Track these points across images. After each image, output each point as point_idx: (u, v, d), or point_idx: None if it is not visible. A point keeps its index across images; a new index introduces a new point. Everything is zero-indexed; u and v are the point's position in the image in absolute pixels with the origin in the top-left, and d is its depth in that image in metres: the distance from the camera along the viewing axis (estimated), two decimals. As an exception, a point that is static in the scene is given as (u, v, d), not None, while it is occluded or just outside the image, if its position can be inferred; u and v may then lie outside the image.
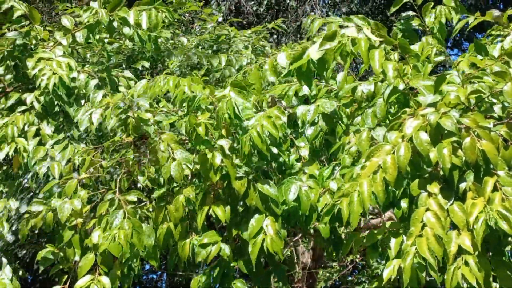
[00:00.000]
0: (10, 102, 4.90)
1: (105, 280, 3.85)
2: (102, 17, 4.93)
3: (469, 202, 3.08)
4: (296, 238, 5.86)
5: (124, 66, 5.93)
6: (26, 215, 4.07)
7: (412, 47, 3.99)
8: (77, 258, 3.99)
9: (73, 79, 4.79)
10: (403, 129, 3.29)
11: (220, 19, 7.99)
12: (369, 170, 3.26)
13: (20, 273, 5.56)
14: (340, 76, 4.17)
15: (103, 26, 4.99)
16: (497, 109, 3.44)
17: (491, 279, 3.04)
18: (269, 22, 8.39)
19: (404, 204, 3.38)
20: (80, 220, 3.99)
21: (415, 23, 4.40)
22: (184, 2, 6.50)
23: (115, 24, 4.99)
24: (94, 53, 5.81)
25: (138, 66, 5.86)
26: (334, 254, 4.07)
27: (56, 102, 4.79)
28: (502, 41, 4.18)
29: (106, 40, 5.63)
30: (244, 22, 12.18)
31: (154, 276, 12.32)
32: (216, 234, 3.76)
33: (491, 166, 3.16)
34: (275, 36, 12.02)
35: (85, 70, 4.92)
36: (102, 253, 3.81)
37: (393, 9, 4.42)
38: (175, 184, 3.91)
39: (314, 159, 3.89)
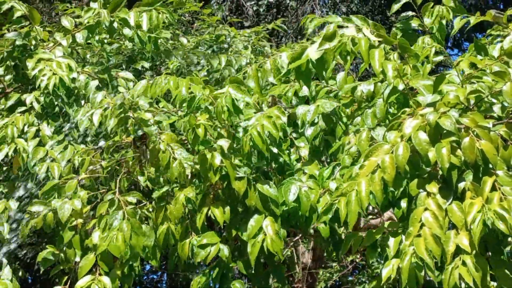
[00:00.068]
0: (10, 102, 4.90)
1: (106, 280, 3.85)
2: (104, 18, 4.93)
3: (467, 201, 3.09)
4: (296, 238, 5.86)
5: (124, 66, 5.93)
6: (27, 215, 4.07)
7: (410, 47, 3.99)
8: (77, 258, 3.99)
9: (73, 80, 4.79)
10: (402, 128, 3.30)
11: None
12: (367, 169, 3.26)
13: (20, 273, 5.56)
14: (340, 76, 4.17)
15: (103, 27, 4.99)
16: (496, 109, 3.45)
17: (488, 278, 3.04)
18: (269, 23, 8.39)
19: (404, 204, 3.38)
20: (80, 220, 3.99)
21: (414, 23, 4.40)
22: (184, 2, 6.50)
23: (115, 25, 5.00)
24: (94, 53, 5.81)
25: (138, 66, 5.86)
26: (334, 254, 4.08)
27: (56, 103, 4.79)
28: (501, 41, 4.18)
29: (106, 41, 5.63)
30: (244, 23, 12.19)
31: (155, 277, 12.33)
32: (215, 235, 3.76)
33: (490, 166, 3.16)
34: (276, 37, 12.03)
35: (85, 71, 4.92)
36: (102, 253, 3.81)
37: (393, 10, 4.43)
38: (175, 185, 3.92)
39: (313, 159, 3.89)
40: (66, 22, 5.04)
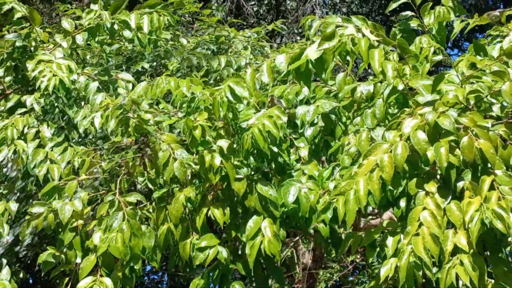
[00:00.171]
0: (10, 104, 4.90)
1: (107, 281, 3.85)
2: (106, 19, 4.93)
3: (465, 200, 3.10)
4: (296, 238, 5.86)
5: (124, 67, 5.93)
6: (27, 217, 4.07)
7: (409, 47, 3.99)
8: (78, 260, 3.99)
9: (73, 81, 4.79)
10: (401, 128, 3.31)
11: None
12: (366, 168, 3.27)
13: (21, 275, 5.56)
14: (339, 77, 4.17)
15: (104, 29, 4.99)
16: (495, 109, 3.45)
17: (485, 277, 3.05)
18: (269, 23, 8.39)
19: (403, 203, 3.38)
20: (80, 221, 3.99)
21: (414, 23, 4.40)
22: (183, 3, 6.50)
23: (116, 27, 5.00)
24: (94, 54, 5.81)
25: (138, 67, 5.86)
26: (334, 254, 4.08)
27: (56, 104, 4.79)
28: (501, 41, 4.18)
29: (106, 42, 5.63)
30: (244, 23, 12.19)
31: (155, 277, 12.33)
32: (214, 237, 3.76)
33: (489, 165, 3.17)
34: (276, 37, 12.02)
35: (85, 72, 4.92)
36: (103, 255, 3.81)
37: (390, 8, 4.42)
38: (174, 185, 3.92)
39: (313, 160, 3.89)
40: (66, 24, 5.05)
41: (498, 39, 4.24)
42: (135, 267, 3.91)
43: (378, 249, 3.51)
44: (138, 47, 5.22)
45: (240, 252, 3.91)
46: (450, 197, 3.19)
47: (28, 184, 4.84)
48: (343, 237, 4.02)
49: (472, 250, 3.03)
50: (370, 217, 4.46)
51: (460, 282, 3.02)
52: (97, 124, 4.35)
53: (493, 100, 3.46)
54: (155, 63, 6.06)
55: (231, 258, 3.83)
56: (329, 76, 4.16)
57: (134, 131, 3.93)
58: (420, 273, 3.09)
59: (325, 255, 6.16)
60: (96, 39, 5.14)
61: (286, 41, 11.82)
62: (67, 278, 4.06)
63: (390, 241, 3.32)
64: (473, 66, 3.71)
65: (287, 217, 3.74)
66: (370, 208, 3.97)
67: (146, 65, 5.85)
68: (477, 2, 12.80)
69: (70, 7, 6.50)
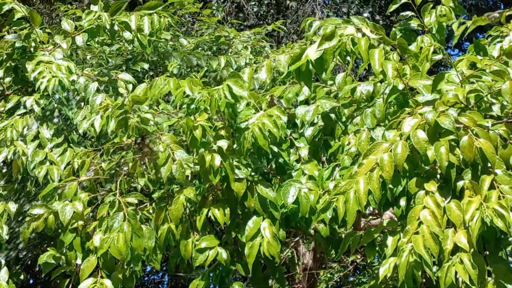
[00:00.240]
0: (10, 105, 4.89)
1: (108, 283, 3.84)
2: (106, 21, 4.93)
3: (465, 199, 3.10)
4: (297, 239, 5.86)
5: (124, 68, 5.93)
6: (28, 218, 4.07)
7: (410, 47, 3.99)
8: (78, 261, 3.98)
9: (73, 82, 4.78)
10: (401, 127, 3.31)
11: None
12: (366, 168, 3.27)
13: (22, 277, 5.56)
14: (339, 77, 4.17)
15: (104, 30, 4.99)
16: (496, 109, 3.45)
17: (486, 276, 3.05)
18: (269, 23, 8.39)
19: (403, 203, 3.39)
20: (81, 222, 3.99)
21: (414, 23, 4.40)
22: (183, 3, 6.50)
23: (116, 28, 5.00)
24: (94, 54, 5.81)
25: (138, 68, 5.86)
26: (334, 254, 4.07)
27: (55, 105, 4.79)
28: (501, 41, 4.18)
29: (105, 42, 5.63)
30: (245, 23, 12.18)
31: (156, 277, 12.33)
32: (214, 238, 3.75)
33: (489, 165, 3.17)
34: (276, 37, 12.02)
35: (85, 73, 4.92)
36: (103, 256, 3.81)
37: (391, 9, 4.43)
38: (174, 186, 3.92)
39: (313, 160, 3.89)
40: (66, 24, 5.04)
41: (498, 39, 4.25)
42: (135, 268, 3.91)
43: (378, 249, 3.51)
44: (138, 48, 5.21)
45: (239, 253, 3.90)
46: (450, 196, 3.19)
47: (27, 185, 4.83)
48: (343, 237, 4.02)
49: (472, 249, 3.03)
50: (370, 217, 4.46)
51: (460, 280, 3.02)
52: (97, 126, 4.36)
53: (493, 100, 3.46)
54: (155, 64, 6.06)
55: (231, 259, 3.82)
56: (329, 76, 4.16)
57: (133, 132, 3.93)
58: (420, 272, 3.09)
59: (325, 256, 6.16)
60: (96, 40, 5.13)
61: (286, 41, 11.82)
62: (68, 280, 4.05)
63: (389, 240, 3.32)
64: (473, 66, 3.71)
65: (287, 217, 3.74)
66: (370, 208, 3.98)
67: (146, 66, 5.85)
68: (478, 2, 12.80)
69: (71, 8, 6.50)
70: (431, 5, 4.45)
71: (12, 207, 4.39)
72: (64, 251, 4.00)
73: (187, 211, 3.83)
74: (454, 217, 3.12)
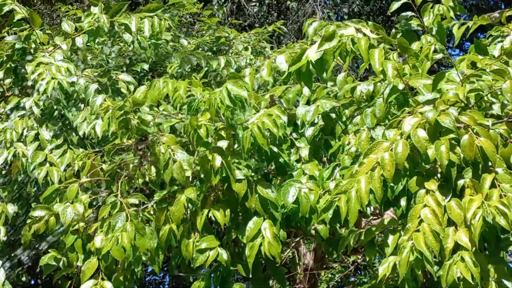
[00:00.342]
0: (9, 106, 4.90)
1: (108, 285, 3.84)
2: (104, 23, 4.93)
3: (467, 198, 3.10)
4: (298, 239, 5.86)
5: (124, 68, 5.93)
6: (29, 220, 4.07)
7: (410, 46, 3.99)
8: (79, 263, 3.98)
9: (72, 84, 4.78)
10: (401, 126, 3.31)
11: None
12: (367, 167, 3.27)
13: (24, 278, 5.56)
14: (340, 77, 4.17)
15: (104, 32, 4.99)
16: (496, 108, 3.46)
17: (490, 274, 3.05)
18: (269, 24, 8.39)
19: (403, 202, 3.39)
20: (82, 224, 3.99)
21: (414, 23, 4.40)
22: (184, 4, 6.50)
23: (116, 29, 5.00)
24: (95, 55, 5.82)
25: (138, 68, 5.86)
26: (335, 255, 4.07)
27: (55, 107, 4.79)
28: (502, 41, 4.19)
29: (106, 43, 5.63)
30: (245, 24, 12.19)
31: (157, 278, 12.33)
32: (215, 238, 3.75)
33: (489, 164, 3.17)
34: (277, 38, 12.02)
35: (85, 74, 4.91)
36: (104, 257, 3.81)
37: (392, 9, 4.43)
38: (175, 187, 3.91)
39: (313, 160, 3.89)
40: (66, 26, 5.04)
41: (499, 39, 4.25)
42: (136, 270, 3.91)
43: (378, 249, 3.51)
44: (138, 49, 5.21)
45: (240, 254, 3.90)
46: (451, 195, 3.19)
47: (27, 187, 4.84)
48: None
49: (474, 248, 3.03)
50: (371, 217, 4.46)
51: (460, 278, 3.02)
52: (98, 131, 4.37)
53: (493, 99, 3.47)
54: (155, 64, 6.07)
55: (232, 259, 3.82)
56: (329, 76, 4.16)
57: (134, 133, 3.93)
58: (420, 271, 3.09)
59: (326, 256, 6.15)
60: (97, 41, 5.13)
61: (287, 41, 11.82)
62: (69, 282, 4.05)
63: (390, 239, 3.33)
64: (473, 65, 3.71)
65: (287, 217, 3.74)
66: (371, 209, 3.98)
67: (146, 66, 5.85)
68: (478, 2, 12.80)
69: (71, 8, 6.50)
70: (431, 5, 4.45)
71: (10, 208, 4.38)
72: (66, 253, 4.00)
73: (188, 211, 3.83)
74: (454, 216, 3.12)
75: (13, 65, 5.02)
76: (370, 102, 3.85)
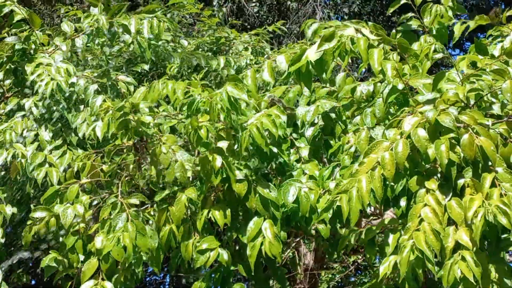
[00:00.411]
0: (9, 107, 4.89)
1: (108, 285, 3.84)
2: (103, 25, 4.92)
3: (467, 197, 3.10)
4: (298, 239, 5.86)
5: (124, 69, 5.93)
6: (29, 222, 4.07)
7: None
8: (80, 264, 3.98)
9: (72, 85, 4.78)
10: (401, 126, 3.31)
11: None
12: (367, 166, 3.27)
13: (25, 279, 5.57)
14: (339, 77, 4.17)
15: (103, 33, 4.99)
16: (496, 107, 3.46)
17: (491, 273, 3.05)
18: (270, 24, 8.39)
19: (403, 202, 3.39)
20: (82, 225, 3.99)
21: (414, 24, 4.40)
22: (184, 5, 6.50)
23: (115, 29, 5.00)
24: (95, 55, 5.81)
25: (138, 69, 5.86)
26: (336, 255, 4.07)
27: (54, 108, 4.79)
28: (502, 41, 4.19)
29: (106, 44, 5.62)
30: (245, 24, 12.18)
31: (158, 278, 12.33)
32: (215, 239, 3.75)
33: (489, 163, 3.17)
34: (277, 38, 12.02)
35: (85, 75, 4.91)
36: (105, 257, 3.80)
37: (391, 9, 4.42)
38: (176, 187, 3.91)
39: (313, 159, 3.89)
40: (66, 27, 5.04)
41: (499, 39, 4.25)
42: (136, 270, 3.90)
43: (378, 248, 3.51)
44: (138, 50, 5.21)
45: (241, 254, 3.90)
46: (451, 194, 3.19)
47: (26, 187, 4.83)
48: (344, 237, 4.02)
49: (475, 247, 3.03)
50: (371, 217, 4.46)
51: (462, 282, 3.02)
52: (99, 133, 4.37)
53: (493, 99, 3.47)
54: (155, 65, 6.06)
55: (232, 259, 3.82)
56: (328, 76, 4.16)
57: (133, 134, 3.93)
58: (420, 270, 3.09)
59: (326, 256, 6.15)
60: (96, 42, 5.13)
61: (287, 41, 11.82)
62: (70, 282, 4.05)
63: (390, 238, 3.33)
64: (473, 65, 3.71)
65: (288, 217, 3.74)
66: (372, 209, 3.98)
67: (146, 67, 5.85)
68: (478, 2, 12.80)
69: (71, 9, 6.50)
70: (430, 5, 4.45)
71: (8, 210, 4.38)
72: (66, 253, 4.00)
73: (189, 212, 3.83)
74: (455, 215, 3.12)
75: (13, 66, 5.01)
76: (370, 102, 3.85)
